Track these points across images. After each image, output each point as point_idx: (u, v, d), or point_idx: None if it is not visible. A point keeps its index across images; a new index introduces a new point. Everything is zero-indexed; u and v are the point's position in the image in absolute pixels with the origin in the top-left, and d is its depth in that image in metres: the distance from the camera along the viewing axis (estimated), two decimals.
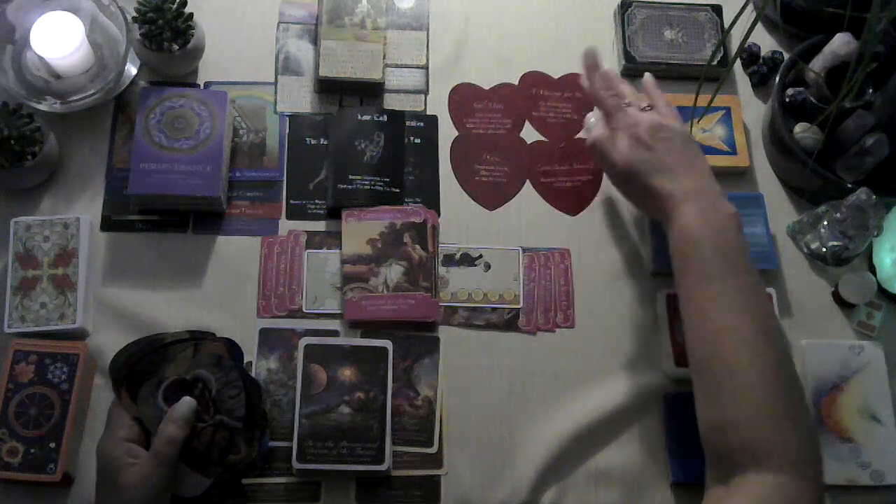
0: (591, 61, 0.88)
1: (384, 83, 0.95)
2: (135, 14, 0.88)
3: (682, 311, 0.77)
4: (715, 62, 0.99)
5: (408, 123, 0.95)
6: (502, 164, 0.95)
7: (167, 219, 0.89)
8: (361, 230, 0.88)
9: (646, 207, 0.84)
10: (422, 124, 0.95)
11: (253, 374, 0.83)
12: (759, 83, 1.01)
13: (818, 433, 0.73)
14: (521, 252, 0.91)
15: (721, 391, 0.72)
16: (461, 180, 0.94)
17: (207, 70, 0.96)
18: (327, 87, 0.95)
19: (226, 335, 0.81)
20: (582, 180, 0.95)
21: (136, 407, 0.74)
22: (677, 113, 0.85)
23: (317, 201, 0.92)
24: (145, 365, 0.76)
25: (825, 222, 0.90)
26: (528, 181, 0.95)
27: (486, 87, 0.98)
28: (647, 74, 0.90)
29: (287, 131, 0.94)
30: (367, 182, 0.90)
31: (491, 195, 0.94)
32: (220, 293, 0.87)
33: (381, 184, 0.90)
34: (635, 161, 0.81)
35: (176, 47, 0.89)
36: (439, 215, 0.92)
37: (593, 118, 0.92)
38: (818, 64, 0.92)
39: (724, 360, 0.72)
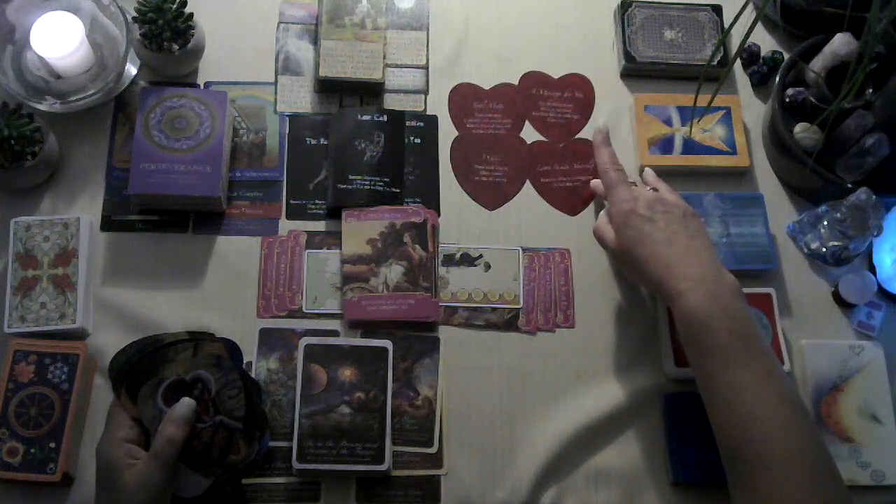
0: (602, 137, 0.88)
1: (384, 83, 0.95)
2: (135, 14, 0.88)
3: (704, 397, 0.75)
4: (715, 62, 0.99)
5: (408, 123, 0.95)
6: (502, 164, 0.95)
7: (167, 219, 0.89)
8: (361, 230, 0.88)
9: (650, 286, 0.82)
10: (422, 124, 0.95)
11: (253, 374, 0.83)
12: (759, 83, 1.01)
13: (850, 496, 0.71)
14: (521, 252, 0.91)
15: (758, 483, 0.69)
16: (461, 180, 0.94)
17: (207, 70, 0.96)
18: (327, 87, 0.95)
19: (226, 335, 0.81)
20: (582, 180, 0.95)
21: (135, 407, 0.74)
22: (680, 197, 0.85)
23: (317, 201, 0.92)
24: (145, 365, 0.76)
25: (825, 222, 0.90)
26: (528, 181, 0.95)
27: (486, 87, 0.98)
28: (647, 170, 0.90)
29: (287, 131, 0.94)
30: (367, 182, 0.90)
31: (491, 195, 0.94)
32: (220, 293, 0.87)
33: (381, 184, 0.90)
34: (633, 234, 0.80)
35: (176, 47, 0.89)
36: (439, 215, 0.92)
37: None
38: (818, 64, 0.92)
39: (759, 451, 0.69)
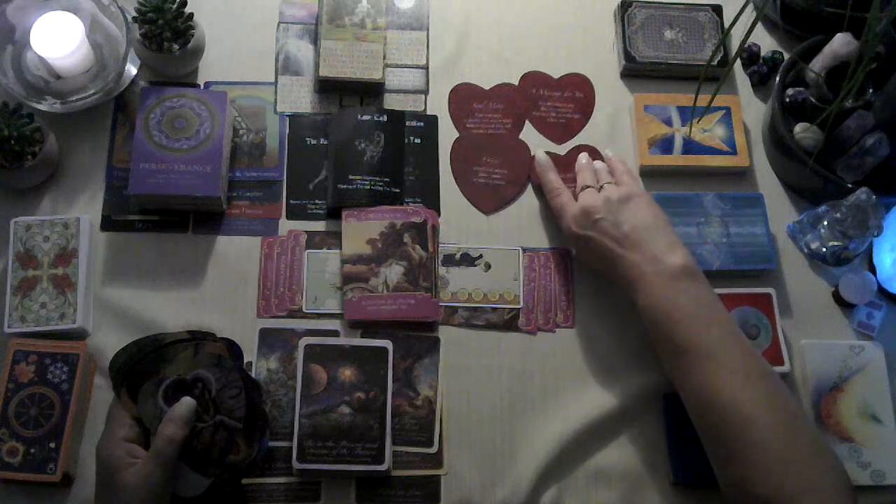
0: (548, 163, 0.92)
1: (384, 83, 0.95)
2: (135, 14, 0.88)
3: (672, 381, 0.79)
4: (715, 62, 0.99)
5: (408, 123, 0.95)
6: (502, 165, 0.95)
7: (167, 219, 0.89)
8: (361, 230, 0.88)
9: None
10: (422, 124, 0.95)
11: (253, 374, 0.83)
12: (759, 83, 1.01)
13: (838, 459, 0.72)
14: (521, 252, 0.91)
15: (728, 453, 0.72)
16: (460, 183, 0.94)
17: (207, 70, 0.96)
18: (327, 87, 0.95)
19: (226, 335, 0.81)
20: None
21: (135, 407, 0.74)
22: (626, 181, 0.87)
23: (317, 201, 0.92)
24: (145, 365, 0.76)
25: (825, 222, 0.90)
26: (528, 183, 0.95)
27: (486, 87, 0.98)
28: (585, 162, 0.92)
29: (287, 131, 0.94)
30: (367, 182, 0.90)
31: (488, 198, 0.93)
32: (220, 293, 0.87)
33: (381, 184, 0.90)
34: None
35: (176, 47, 0.89)
36: (439, 215, 0.92)
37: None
38: (818, 64, 0.92)
39: (720, 423, 0.72)
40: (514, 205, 0.93)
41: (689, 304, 0.77)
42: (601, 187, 0.87)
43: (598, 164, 0.91)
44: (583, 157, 0.92)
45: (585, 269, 0.91)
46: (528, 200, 0.94)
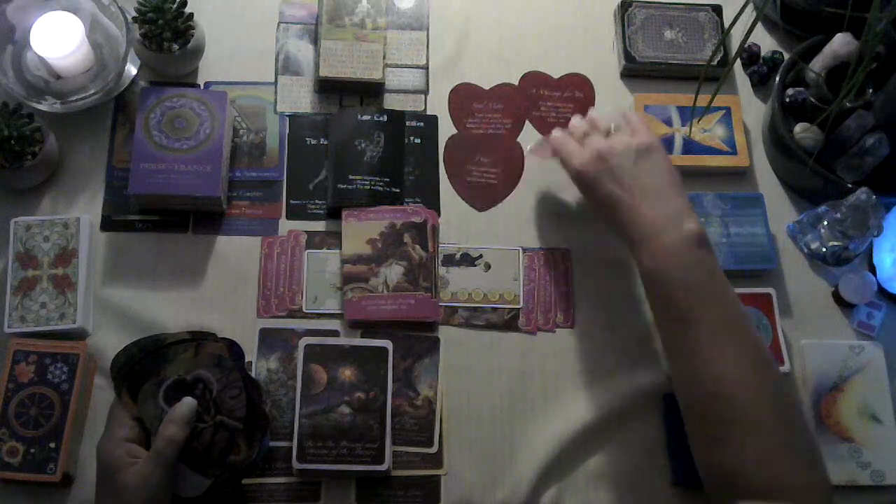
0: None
1: (384, 83, 0.95)
2: (135, 14, 0.88)
3: (666, 351, 0.78)
4: (715, 62, 0.99)
5: (408, 123, 0.95)
6: (496, 164, 0.95)
7: (167, 219, 0.89)
8: (361, 230, 0.88)
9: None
10: (422, 124, 0.95)
11: (253, 375, 0.83)
12: (759, 83, 1.01)
13: (822, 456, 0.71)
14: (521, 252, 0.91)
15: (719, 436, 0.70)
16: (452, 181, 0.93)
17: (207, 70, 0.96)
18: (327, 87, 0.95)
19: (226, 335, 0.81)
20: None
21: (136, 407, 0.74)
22: (641, 131, 0.82)
23: (317, 201, 0.92)
24: (146, 365, 0.76)
25: (825, 222, 0.90)
26: (524, 181, 0.95)
27: (486, 87, 0.98)
28: (590, 113, 0.88)
29: (287, 131, 0.94)
30: (367, 182, 0.90)
31: (481, 195, 0.93)
32: (220, 293, 0.87)
33: (381, 184, 0.90)
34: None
35: (176, 47, 0.89)
36: (439, 215, 0.92)
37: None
38: (818, 64, 0.92)
39: (718, 404, 0.70)
40: (514, 205, 0.93)
41: (701, 272, 0.75)
42: (608, 134, 0.83)
43: (593, 114, 0.87)
44: (576, 118, 0.88)
45: (585, 269, 0.91)
46: (528, 200, 0.94)
